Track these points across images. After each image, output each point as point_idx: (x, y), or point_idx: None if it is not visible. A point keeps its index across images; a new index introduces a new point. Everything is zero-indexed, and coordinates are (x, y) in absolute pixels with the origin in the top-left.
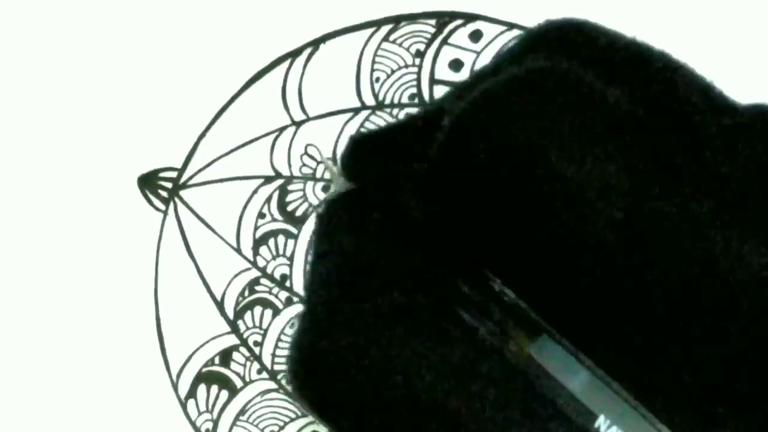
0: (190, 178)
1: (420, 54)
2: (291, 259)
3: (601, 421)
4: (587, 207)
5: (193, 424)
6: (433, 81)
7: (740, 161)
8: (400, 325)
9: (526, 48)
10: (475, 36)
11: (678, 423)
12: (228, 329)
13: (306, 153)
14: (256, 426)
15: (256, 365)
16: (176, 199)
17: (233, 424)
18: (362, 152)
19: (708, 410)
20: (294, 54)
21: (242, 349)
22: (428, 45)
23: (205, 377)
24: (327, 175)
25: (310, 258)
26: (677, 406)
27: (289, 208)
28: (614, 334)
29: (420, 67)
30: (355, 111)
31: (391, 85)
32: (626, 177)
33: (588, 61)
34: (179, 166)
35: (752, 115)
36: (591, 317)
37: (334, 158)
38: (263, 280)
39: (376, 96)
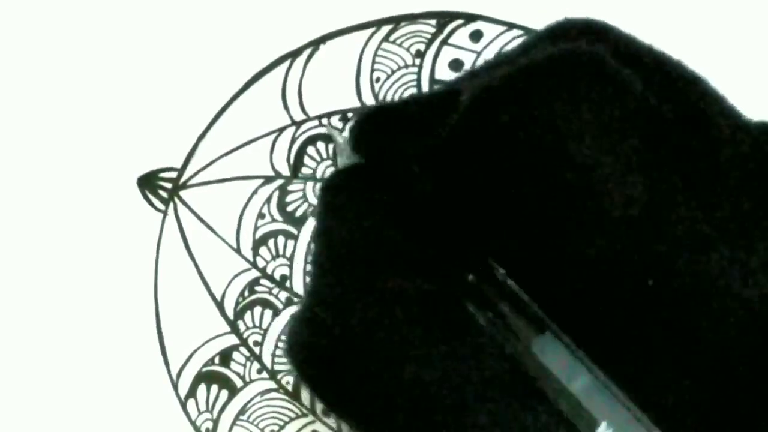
0: (190, 178)
1: (420, 54)
2: (291, 259)
3: (603, 428)
4: (604, 199)
5: (193, 423)
6: (433, 81)
7: (750, 178)
8: (406, 312)
9: (542, 42)
10: (476, 36)
11: None
12: (228, 329)
13: (306, 153)
14: (256, 426)
15: (256, 365)
16: (176, 199)
17: (233, 423)
18: (372, 124)
19: (707, 424)
20: (294, 54)
21: (242, 349)
22: (428, 45)
23: (205, 377)
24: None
25: (315, 231)
26: (677, 418)
27: (289, 208)
28: (620, 338)
29: (420, 67)
30: (356, 111)
31: (391, 85)
32: (645, 177)
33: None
34: (179, 166)
35: (760, 133)
36: (597, 318)
37: (341, 128)
38: (263, 281)
39: (376, 96)
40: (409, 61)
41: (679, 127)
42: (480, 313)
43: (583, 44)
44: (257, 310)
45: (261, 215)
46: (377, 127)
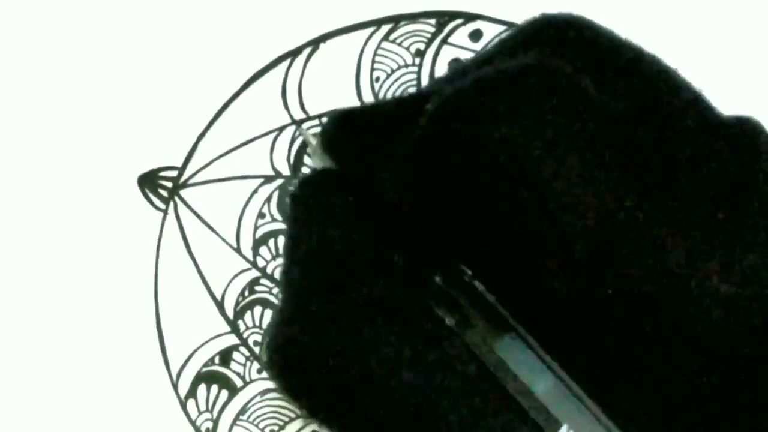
0: (190, 177)
1: (420, 53)
2: None
3: (564, 431)
4: (559, 213)
5: (193, 423)
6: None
7: (712, 177)
8: (376, 318)
9: (519, 42)
10: (475, 35)
11: None
12: (228, 329)
13: (306, 152)
14: (256, 426)
15: (256, 365)
16: (176, 199)
17: (233, 423)
18: (344, 126)
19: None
20: (294, 53)
21: (242, 349)
22: (428, 44)
23: (205, 377)
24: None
25: (285, 239)
26: (637, 419)
27: None
28: (583, 341)
29: (420, 66)
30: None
31: (391, 85)
32: (601, 186)
33: (579, 60)
34: (179, 165)
35: (731, 128)
36: (560, 321)
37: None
38: (263, 280)
39: (376, 95)
40: (409, 61)
41: (640, 134)
42: (447, 315)
43: (547, 58)
44: (257, 309)
45: (261, 215)
46: (347, 130)
